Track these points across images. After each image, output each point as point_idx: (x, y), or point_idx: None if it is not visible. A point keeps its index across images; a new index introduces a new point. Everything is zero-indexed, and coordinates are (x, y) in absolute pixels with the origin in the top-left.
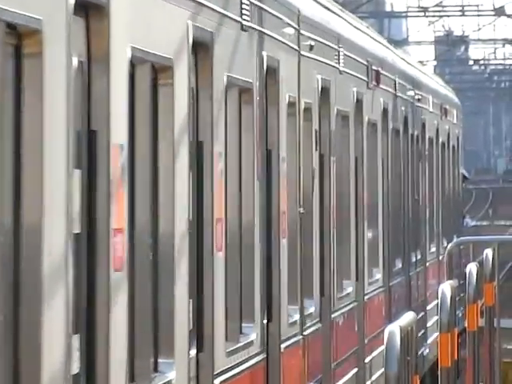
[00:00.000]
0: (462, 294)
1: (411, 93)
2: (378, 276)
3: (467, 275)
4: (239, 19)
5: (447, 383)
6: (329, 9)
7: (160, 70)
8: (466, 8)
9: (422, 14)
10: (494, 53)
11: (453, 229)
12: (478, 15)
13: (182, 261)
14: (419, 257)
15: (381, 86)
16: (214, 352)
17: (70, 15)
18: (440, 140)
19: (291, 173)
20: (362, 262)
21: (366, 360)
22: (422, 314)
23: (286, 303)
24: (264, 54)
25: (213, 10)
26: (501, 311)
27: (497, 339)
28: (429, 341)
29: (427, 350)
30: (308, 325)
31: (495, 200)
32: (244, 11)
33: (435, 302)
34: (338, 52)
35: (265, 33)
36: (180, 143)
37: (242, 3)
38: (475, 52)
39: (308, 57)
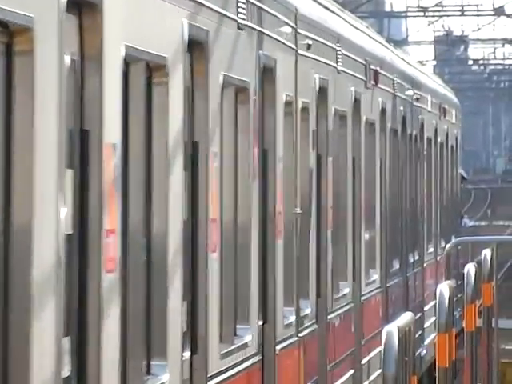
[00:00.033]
0: (459, 295)
1: (410, 92)
2: (375, 277)
3: (465, 275)
4: (235, 18)
5: None
6: (327, 8)
7: (154, 69)
8: (465, 8)
9: (422, 13)
10: (494, 53)
11: (451, 229)
12: (478, 15)
13: (175, 262)
14: (417, 257)
15: (379, 85)
16: (207, 354)
17: (62, 13)
18: (438, 140)
19: (288, 173)
20: (358, 262)
21: (363, 361)
22: (420, 314)
23: (282, 304)
24: (261, 53)
25: (209, 8)
26: (499, 311)
27: (495, 339)
28: (426, 342)
29: (424, 351)
30: (304, 326)
31: (494, 200)
32: (240, 9)
33: (433, 303)
34: (336, 51)
35: (261, 31)
36: (175, 143)
37: (238, 1)
38: (475, 52)
39: (305, 56)
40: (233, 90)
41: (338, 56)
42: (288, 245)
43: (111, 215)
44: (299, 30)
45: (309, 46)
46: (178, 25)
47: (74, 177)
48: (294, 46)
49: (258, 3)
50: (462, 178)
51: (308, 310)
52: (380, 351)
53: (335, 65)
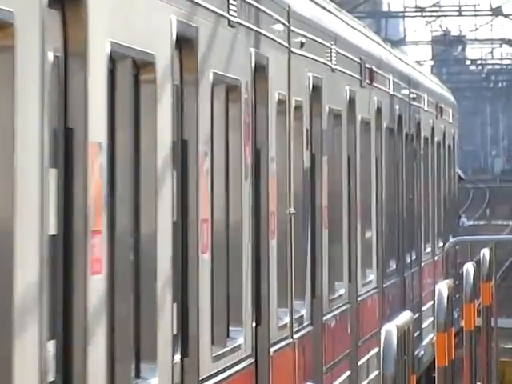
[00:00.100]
0: (457, 295)
1: (406, 91)
2: (372, 277)
3: (464, 275)
4: (226, 15)
5: (444, 383)
6: (320, 5)
7: (142, 67)
8: (463, 8)
9: (419, 14)
10: (491, 53)
11: (448, 229)
12: (475, 15)
13: (165, 263)
14: (414, 257)
15: (375, 84)
16: (199, 357)
17: (44, 8)
18: (435, 139)
19: (281, 173)
20: (354, 262)
21: (360, 363)
22: (417, 315)
23: (276, 306)
24: (252, 50)
25: (198, 4)
26: (498, 311)
27: (494, 339)
28: (424, 342)
29: (422, 352)
30: (299, 328)
31: (492, 200)
32: (231, 6)
33: (430, 303)
34: (330, 49)
35: (253, 29)
36: (163, 142)
37: None
38: (472, 52)
39: (299, 54)
40: (224, 88)
41: (333, 54)
42: (282, 245)
43: (97, 216)
44: (292, 28)
45: (302, 44)
46: (166, 21)
47: (57, 176)
48: (286, 44)
49: (249, 0)
50: (459, 178)
51: (303, 311)
52: (377, 352)
53: (329, 63)
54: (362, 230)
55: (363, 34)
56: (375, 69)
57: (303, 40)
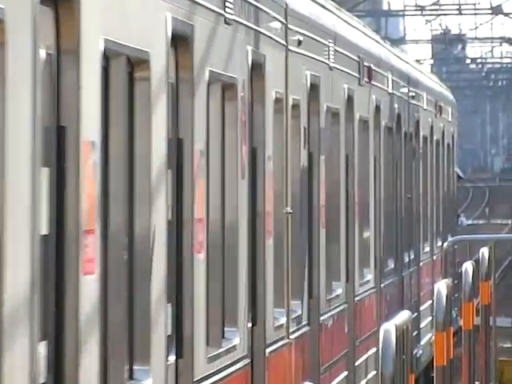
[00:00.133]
0: (456, 294)
1: (405, 90)
2: (370, 277)
3: (463, 274)
4: (222, 12)
5: (442, 382)
6: (318, 3)
7: (136, 64)
8: (462, 7)
9: (419, 12)
10: (491, 51)
11: (447, 228)
12: (475, 14)
13: (159, 263)
14: (412, 257)
15: (373, 82)
16: (193, 358)
17: (36, 4)
18: (434, 138)
19: (278, 172)
20: (352, 262)
21: (357, 363)
22: (416, 314)
23: (272, 306)
24: (249, 48)
25: (194, 1)
26: (497, 310)
27: (493, 338)
28: (422, 342)
29: (420, 352)
30: (295, 328)
31: (492, 198)
32: (227, 3)
33: (429, 303)
34: (328, 47)
35: (250, 27)
36: (158, 140)
37: None
38: (472, 50)
39: (296, 52)
40: (220, 87)
41: (330, 52)
42: (278, 245)
43: (90, 215)
44: (289, 26)
45: (299, 42)
46: (161, 18)
47: (49, 175)
48: (283, 42)
49: None
50: (458, 177)
51: (299, 312)
52: (374, 352)
53: (327, 61)
54: (359, 230)
55: (361, 32)
56: (374, 67)
57: (301, 38)
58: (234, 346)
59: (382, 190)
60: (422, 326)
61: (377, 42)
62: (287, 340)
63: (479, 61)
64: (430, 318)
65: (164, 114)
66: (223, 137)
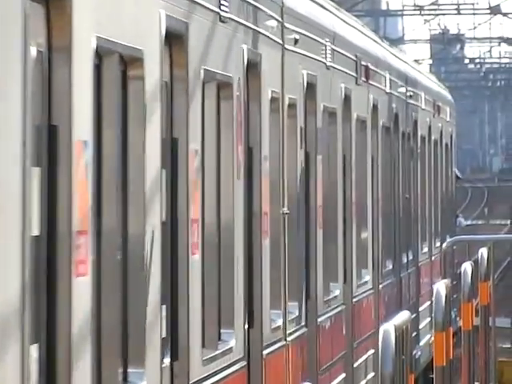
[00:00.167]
0: (455, 295)
1: (403, 89)
2: (368, 278)
3: (462, 274)
4: (217, 10)
5: (442, 383)
6: (315, 1)
7: (129, 62)
8: (461, 7)
9: (418, 12)
10: (490, 51)
11: (446, 228)
12: (474, 14)
13: (153, 264)
14: (411, 257)
15: (371, 82)
16: (189, 360)
17: (26, 1)
18: (432, 138)
19: (274, 172)
20: (350, 263)
21: (355, 365)
22: (414, 315)
23: (269, 307)
24: (244, 47)
25: None
26: (496, 310)
27: (492, 338)
28: (421, 343)
29: (419, 353)
30: (292, 330)
31: (491, 199)
32: (223, 1)
33: (427, 304)
34: (325, 46)
35: (245, 25)
36: (152, 140)
37: None
38: (471, 50)
39: (292, 51)
40: (215, 86)
41: (327, 51)
42: (275, 245)
43: (82, 216)
44: (286, 24)
45: (296, 41)
46: (155, 16)
47: (41, 175)
48: (280, 41)
49: None
50: (456, 177)
51: (297, 313)
52: (373, 354)
53: (324, 60)
54: (357, 230)
55: (359, 31)
56: (371, 66)
57: (297, 37)
58: (231, 348)
59: (379, 190)
60: (420, 327)
61: (374, 41)
62: (284, 342)
63: (478, 61)
64: (428, 319)
65: (158, 113)
66: (218, 136)
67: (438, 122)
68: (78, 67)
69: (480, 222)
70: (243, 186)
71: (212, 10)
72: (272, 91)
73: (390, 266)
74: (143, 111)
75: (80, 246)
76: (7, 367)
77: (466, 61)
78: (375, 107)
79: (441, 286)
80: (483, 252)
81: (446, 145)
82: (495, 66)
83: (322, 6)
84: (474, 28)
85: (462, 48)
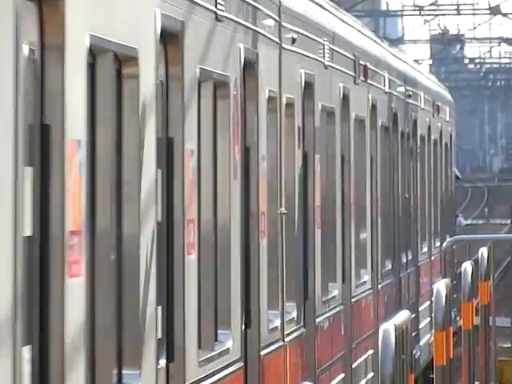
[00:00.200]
0: (455, 295)
1: (402, 89)
2: (366, 278)
3: (462, 274)
4: (213, 8)
5: (442, 382)
6: (313, 0)
7: (124, 61)
8: (461, 7)
9: (418, 12)
10: (490, 51)
11: (445, 228)
12: (474, 14)
13: (149, 265)
14: (410, 257)
15: (369, 81)
16: (185, 361)
17: None
18: (432, 137)
19: (272, 172)
20: (348, 263)
21: (354, 365)
22: (414, 315)
23: (266, 308)
24: (241, 46)
25: None
26: (496, 310)
27: (492, 338)
28: (421, 343)
29: (419, 353)
30: (290, 330)
31: (491, 198)
32: (219, 0)
33: (427, 304)
34: (323, 45)
35: (242, 24)
36: (147, 140)
37: None
38: (471, 51)
39: (290, 50)
40: (211, 85)
41: (325, 50)
42: (273, 246)
43: (75, 216)
44: (283, 23)
45: (294, 40)
46: (149, 14)
47: (33, 175)
48: (277, 40)
49: None
50: (456, 177)
51: (295, 313)
52: (372, 354)
53: (322, 59)
54: (356, 230)
55: (358, 30)
56: (370, 66)
57: (295, 36)
58: (227, 349)
59: (378, 190)
60: (420, 326)
61: (373, 40)
62: (282, 342)
63: (478, 61)
64: (428, 319)
65: (153, 112)
66: (215, 136)
67: (437, 122)
68: (71, 66)
69: (480, 222)
70: (240, 185)
71: (208, 9)
72: (269, 90)
73: (390, 266)
74: (138, 110)
75: (73, 247)
76: (0, 368)
77: (466, 61)
78: (374, 107)
79: (441, 286)
80: (483, 251)
81: (446, 145)
82: (495, 66)
83: (320, 6)
84: (474, 28)
85: (461, 48)
